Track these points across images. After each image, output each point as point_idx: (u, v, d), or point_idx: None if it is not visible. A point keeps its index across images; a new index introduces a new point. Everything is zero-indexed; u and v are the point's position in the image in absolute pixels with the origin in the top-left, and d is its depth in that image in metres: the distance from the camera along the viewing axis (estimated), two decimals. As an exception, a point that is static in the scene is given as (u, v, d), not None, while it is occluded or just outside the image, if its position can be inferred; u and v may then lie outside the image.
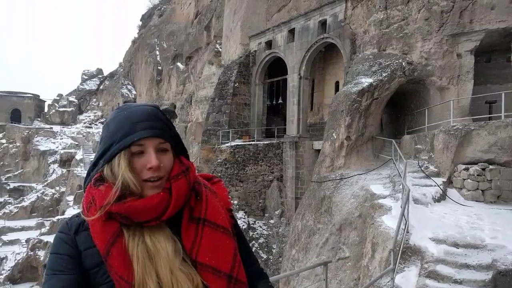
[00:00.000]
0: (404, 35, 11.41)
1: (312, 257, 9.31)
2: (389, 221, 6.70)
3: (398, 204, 7.26)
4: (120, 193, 1.05)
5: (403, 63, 11.12)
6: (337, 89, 16.83)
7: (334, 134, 11.05)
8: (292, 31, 17.05)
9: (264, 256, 14.32)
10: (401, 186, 7.70)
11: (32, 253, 26.26)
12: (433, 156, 9.51)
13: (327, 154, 11.22)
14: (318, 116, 18.53)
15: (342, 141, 10.81)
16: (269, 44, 18.55)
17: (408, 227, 6.15)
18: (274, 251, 14.52)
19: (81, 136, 42.96)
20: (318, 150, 13.87)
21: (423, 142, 10.17)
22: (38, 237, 27.39)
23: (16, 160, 39.15)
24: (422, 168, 9.31)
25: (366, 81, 10.99)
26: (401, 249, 5.58)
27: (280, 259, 13.08)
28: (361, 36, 13.44)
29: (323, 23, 15.61)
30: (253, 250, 1.36)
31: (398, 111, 13.84)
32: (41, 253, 25.94)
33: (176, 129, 1.23)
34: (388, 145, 11.44)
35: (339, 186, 9.99)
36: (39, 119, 48.16)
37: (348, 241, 8.35)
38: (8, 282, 24.78)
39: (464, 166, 8.57)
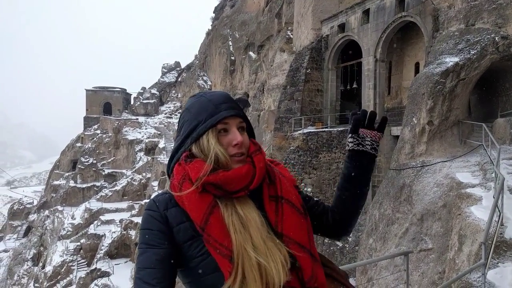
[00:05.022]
0: (498, 6, 10.21)
1: (391, 247, 8.99)
2: (479, 212, 6.18)
3: (489, 194, 6.65)
4: (212, 166, 1.15)
5: (496, 37, 9.97)
6: (417, 71, 15.74)
7: (414, 119, 10.41)
8: (366, 12, 16.24)
9: (340, 244, 14.18)
10: (493, 175, 7.02)
11: (125, 232, 29.31)
12: (533, 141, 8.48)
13: (407, 140, 10.63)
14: (396, 100, 17.54)
15: (424, 126, 10.13)
16: (342, 28, 17.91)
17: (502, 219, 5.62)
18: (350, 239, 14.28)
19: (162, 126, 46.18)
20: (397, 136, 13.18)
21: (521, 125, 9.11)
22: (129, 218, 30.43)
23: (109, 149, 43.56)
24: (519, 155, 8.36)
25: (451, 60, 10.10)
26: (494, 242, 5.13)
27: (356, 248, 12.84)
28: (445, 11, 12.32)
29: (400, 1, 14.62)
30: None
31: (490, 92, 12.50)
32: (132, 233, 28.79)
33: (249, 118, 1.35)
34: (477, 129, 10.44)
35: (420, 174, 9.42)
36: (126, 111, 52.76)
37: (431, 232, 7.89)
38: (107, 257, 28.02)
39: None
